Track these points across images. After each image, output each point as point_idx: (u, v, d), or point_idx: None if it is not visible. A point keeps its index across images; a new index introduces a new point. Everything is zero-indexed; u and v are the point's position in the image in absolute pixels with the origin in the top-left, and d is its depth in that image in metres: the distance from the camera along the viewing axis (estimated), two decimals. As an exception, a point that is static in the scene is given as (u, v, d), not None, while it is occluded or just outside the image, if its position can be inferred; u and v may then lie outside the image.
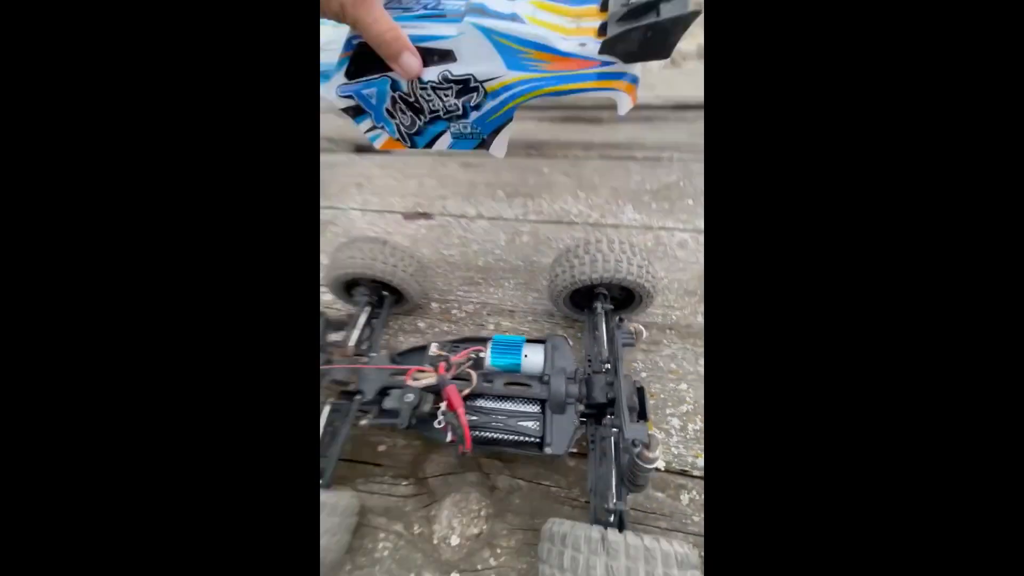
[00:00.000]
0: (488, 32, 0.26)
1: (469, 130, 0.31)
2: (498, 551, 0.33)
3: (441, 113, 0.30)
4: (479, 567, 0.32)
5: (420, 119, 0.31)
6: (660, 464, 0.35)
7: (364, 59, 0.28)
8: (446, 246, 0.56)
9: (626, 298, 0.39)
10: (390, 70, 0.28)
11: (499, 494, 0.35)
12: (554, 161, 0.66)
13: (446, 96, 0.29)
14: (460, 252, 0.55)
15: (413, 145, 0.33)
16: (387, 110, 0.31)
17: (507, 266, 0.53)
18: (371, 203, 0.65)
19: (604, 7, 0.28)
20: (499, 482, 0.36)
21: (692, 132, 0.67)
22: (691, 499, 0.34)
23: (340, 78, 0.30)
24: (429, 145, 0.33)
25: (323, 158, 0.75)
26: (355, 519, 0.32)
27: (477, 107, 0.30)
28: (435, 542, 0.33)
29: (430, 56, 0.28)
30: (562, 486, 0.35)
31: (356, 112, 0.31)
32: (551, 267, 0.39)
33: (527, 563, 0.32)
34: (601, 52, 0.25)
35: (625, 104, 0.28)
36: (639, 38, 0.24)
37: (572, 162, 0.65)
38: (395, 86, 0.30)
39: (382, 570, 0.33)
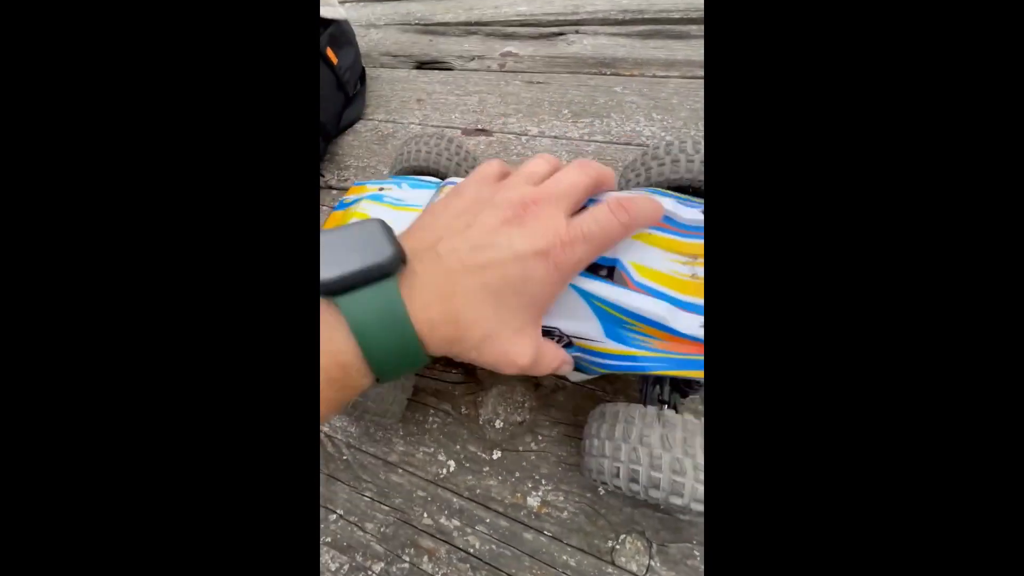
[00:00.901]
0: (587, 296, 0.22)
1: None
2: (540, 438, 0.34)
3: None
4: (520, 448, 0.34)
5: None
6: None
7: None
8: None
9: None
10: None
11: (543, 390, 0.36)
12: (628, 79, 0.60)
13: None
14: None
15: None
16: None
17: (567, 185, 0.51)
18: (431, 119, 0.64)
19: None
20: (544, 380, 0.36)
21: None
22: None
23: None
24: None
25: (384, 73, 0.74)
26: (409, 391, 0.35)
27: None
28: (480, 423, 0.36)
29: None
30: (607, 391, 0.35)
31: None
32: (622, 173, 0.36)
33: (567, 451, 0.33)
34: None
35: None
36: None
37: (649, 82, 0.59)
38: None
39: (431, 439, 0.36)
